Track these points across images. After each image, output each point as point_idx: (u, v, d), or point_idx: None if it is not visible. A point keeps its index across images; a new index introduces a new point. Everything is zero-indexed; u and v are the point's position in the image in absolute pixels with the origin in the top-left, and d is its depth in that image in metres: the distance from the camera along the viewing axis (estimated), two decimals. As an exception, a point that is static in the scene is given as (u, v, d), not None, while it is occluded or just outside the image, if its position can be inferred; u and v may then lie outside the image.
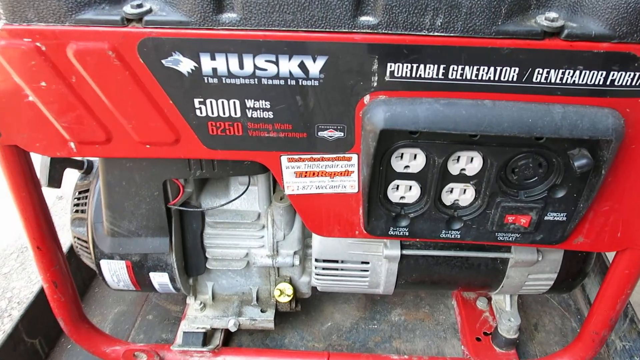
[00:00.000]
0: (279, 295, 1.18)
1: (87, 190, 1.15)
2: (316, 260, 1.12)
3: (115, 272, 1.14)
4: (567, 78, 0.78)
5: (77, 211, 1.15)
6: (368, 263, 1.12)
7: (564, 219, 0.92)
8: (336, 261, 1.12)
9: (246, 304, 1.24)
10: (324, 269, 1.13)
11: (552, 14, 0.75)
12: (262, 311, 1.23)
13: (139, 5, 0.76)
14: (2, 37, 0.77)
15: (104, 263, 1.13)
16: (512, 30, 0.75)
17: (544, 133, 0.80)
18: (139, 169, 1.00)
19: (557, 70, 0.77)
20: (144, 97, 0.82)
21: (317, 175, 0.91)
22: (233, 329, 1.21)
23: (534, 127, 0.79)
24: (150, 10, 0.76)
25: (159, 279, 1.15)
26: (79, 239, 1.16)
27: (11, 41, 0.78)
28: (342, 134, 0.86)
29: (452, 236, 0.96)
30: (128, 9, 0.76)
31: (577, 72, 0.77)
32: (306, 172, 0.91)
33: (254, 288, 1.23)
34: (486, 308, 1.32)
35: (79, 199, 1.17)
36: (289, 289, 1.18)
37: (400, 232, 0.96)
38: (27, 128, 0.87)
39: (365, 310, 1.39)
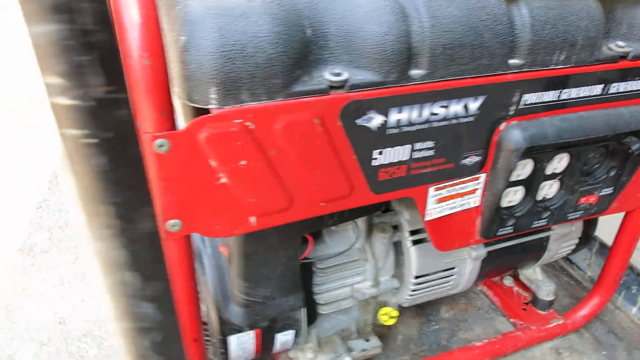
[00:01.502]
0: (387, 320, 1.25)
1: None
2: (415, 277, 1.23)
3: (243, 344, 1.10)
4: (630, 86, 1.05)
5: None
6: (454, 268, 1.27)
7: (612, 191, 1.19)
8: (428, 274, 1.24)
9: (347, 339, 1.28)
10: (419, 284, 1.24)
11: (620, 42, 1.01)
12: (366, 340, 1.29)
13: (338, 74, 0.81)
14: (211, 123, 0.76)
15: (232, 339, 1.08)
16: (602, 57, 0.98)
17: (621, 130, 1.05)
18: (278, 232, 1.01)
19: (625, 82, 1.03)
20: (334, 157, 0.87)
21: (453, 198, 1.04)
22: None
23: (615, 126, 1.04)
24: (348, 77, 0.82)
25: (283, 339, 1.14)
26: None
27: (220, 125, 0.77)
28: (480, 157, 1.00)
29: (541, 224, 1.17)
30: (331, 77, 0.81)
31: (636, 82, 1.04)
32: (445, 197, 1.03)
33: (353, 321, 1.28)
34: (513, 284, 1.56)
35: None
36: (393, 311, 1.26)
37: (506, 230, 1.13)
38: (211, 212, 0.84)
39: (418, 315, 1.52)
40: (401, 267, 1.25)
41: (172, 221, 0.82)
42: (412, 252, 1.21)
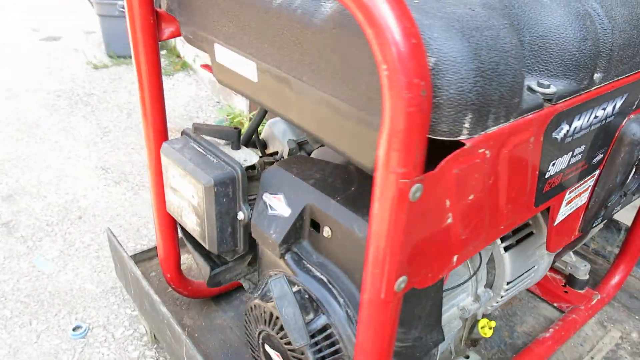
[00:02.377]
0: (487, 332, 1.19)
1: (325, 329, 0.91)
2: (508, 283, 1.19)
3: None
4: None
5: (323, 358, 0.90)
6: (535, 266, 1.26)
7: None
8: (517, 278, 1.22)
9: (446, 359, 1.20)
10: (509, 289, 1.21)
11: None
12: (466, 357, 1.21)
13: (546, 86, 0.74)
14: (463, 157, 0.64)
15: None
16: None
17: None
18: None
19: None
20: (530, 174, 0.80)
21: (575, 199, 1.02)
22: None
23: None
24: (556, 89, 0.76)
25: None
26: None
27: (469, 158, 0.65)
28: (602, 155, 1.00)
29: (617, 210, 1.20)
30: (540, 89, 0.74)
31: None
32: (572, 199, 1.01)
33: (451, 341, 1.20)
34: (544, 270, 1.60)
35: (317, 342, 0.91)
36: (491, 322, 1.21)
37: (599, 222, 1.15)
38: (429, 259, 0.72)
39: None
40: (492, 276, 1.22)
41: (400, 279, 0.68)
42: (505, 259, 1.17)
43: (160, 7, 1.05)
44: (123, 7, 3.39)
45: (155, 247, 1.59)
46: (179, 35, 1.08)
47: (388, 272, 0.67)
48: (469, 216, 0.73)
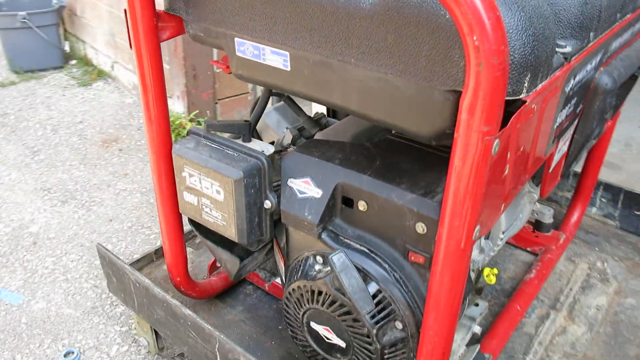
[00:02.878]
0: (492, 279, 1.29)
1: (377, 294, 0.96)
2: (503, 232, 1.30)
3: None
4: None
5: None
6: (521, 213, 1.38)
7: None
8: (509, 227, 1.33)
9: (461, 309, 1.29)
10: (503, 238, 1.32)
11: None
12: (475, 305, 1.31)
13: (562, 46, 0.85)
14: (525, 112, 0.73)
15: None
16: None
17: None
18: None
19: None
20: (552, 123, 0.90)
21: (562, 146, 1.15)
22: (479, 331, 1.24)
23: None
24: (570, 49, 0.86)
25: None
26: None
27: (527, 112, 0.74)
28: (582, 105, 1.13)
29: (585, 154, 1.36)
30: (563, 50, 0.84)
31: None
32: (560, 147, 1.14)
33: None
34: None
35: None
36: (493, 269, 1.31)
37: (575, 165, 1.30)
38: (491, 209, 0.80)
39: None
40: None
41: (476, 228, 0.76)
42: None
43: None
44: (25, 18, 3.19)
45: (143, 257, 1.56)
46: (179, 34, 1.08)
47: (469, 223, 0.74)
48: (517, 167, 0.82)
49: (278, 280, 1.33)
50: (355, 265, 0.98)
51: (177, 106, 2.81)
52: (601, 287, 1.57)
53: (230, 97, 2.91)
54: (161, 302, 1.26)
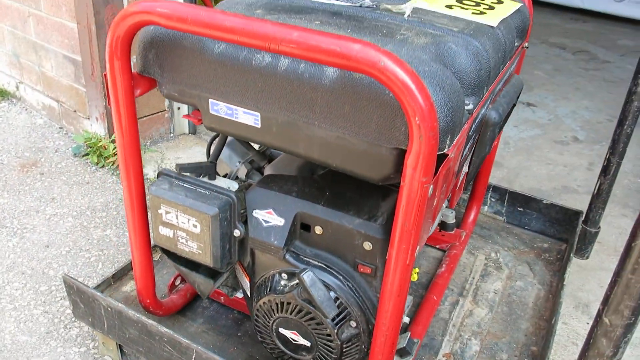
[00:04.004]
0: (414, 277, 1.57)
1: (336, 300, 1.19)
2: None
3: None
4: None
5: None
6: (437, 221, 1.67)
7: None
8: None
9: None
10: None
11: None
12: None
13: (467, 104, 1.13)
14: (446, 163, 1.00)
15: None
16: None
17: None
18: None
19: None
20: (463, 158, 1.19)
21: (465, 167, 1.46)
22: (408, 320, 1.50)
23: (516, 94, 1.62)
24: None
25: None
26: None
27: (448, 160, 1.01)
28: (477, 135, 1.44)
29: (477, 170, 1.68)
30: (467, 107, 1.12)
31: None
32: (464, 169, 1.44)
33: None
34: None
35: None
36: (414, 269, 1.58)
37: (471, 180, 1.62)
38: (426, 230, 1.07)
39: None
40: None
41: (418, 247, 1.02)
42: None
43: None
44: None
45: (102, 282, 1.69)
46: (148, 91, 1.25)
47: (412, 245, 1.00)
48: (441, 195, 1.09)
49: (238, 294, 1.53)
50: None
51: (96, 127, 2.86)
52: (496, 274, 1.92)
53: (147, 115, 3.00)
54: (135, 322, 1.42)
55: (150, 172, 2.77)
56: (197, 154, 3.01)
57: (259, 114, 1.10)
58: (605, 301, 0.83)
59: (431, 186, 0.95)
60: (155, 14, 1.02)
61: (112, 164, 2.77)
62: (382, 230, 1.17)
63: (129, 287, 1.72)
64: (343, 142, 1.04)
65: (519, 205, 2.13)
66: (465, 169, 1.46)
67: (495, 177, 2.91)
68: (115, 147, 2.79)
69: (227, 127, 1.17)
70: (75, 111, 2.95)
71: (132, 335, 1.47)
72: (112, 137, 2.81)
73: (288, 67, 1.03)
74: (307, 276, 1.16)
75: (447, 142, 0.98)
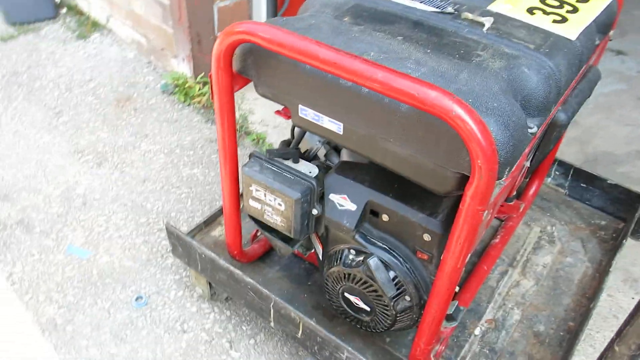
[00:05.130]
0: None
1: (394, 279, 1.41)
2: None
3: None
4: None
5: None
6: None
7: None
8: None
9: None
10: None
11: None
12: None
13: (531, 127, 1.24)
14: (500, 189, 1.15)
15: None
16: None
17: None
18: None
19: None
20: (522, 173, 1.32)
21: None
22: (457, 289, 1.74)
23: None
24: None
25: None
26: None
27: (504, 187, 1.16)
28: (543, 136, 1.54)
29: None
30: (531, 131, 1.24)
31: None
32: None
33: None
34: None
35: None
36: None
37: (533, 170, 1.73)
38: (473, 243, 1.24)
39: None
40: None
41: (468, 255, 1.20)
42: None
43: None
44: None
45: (195, 227, 1.96)
46: (245, 85, 1.43)
47: (464, 254, 1.18)
48: (496, 209, 1.24)
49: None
50: (380, 259, 1.42)
51: (183, 67, 3.08)
52: (548, 247, 2.07)
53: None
54: (225, 269, 1.69)
55: (233, 112, 2.99)
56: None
57: (342, 124, 1.26)
58: None
59: (486, 212, 1.10)
60: (257, 37, 1.18)
61: (198, 103, 3.01)
62: (441, 226, 1.34)
63: (217, 232, 2.00)
64: (414, 159, 1.19)
65: (583, 182, 2.22)
66: (526, 164, 1.58)
67: (568, 136, 2.86)
68: (199, 89, 3.01)
69: (313, 129, 1.34)
70: (162, 49, 3.17)
71: (221, 278, 1.75)
72: (198, 79, 3.03)
73: (371, 91, 1.17)
74: (373, 261, 1.37)
75: (505, 173, 1.12)
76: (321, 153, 1.66)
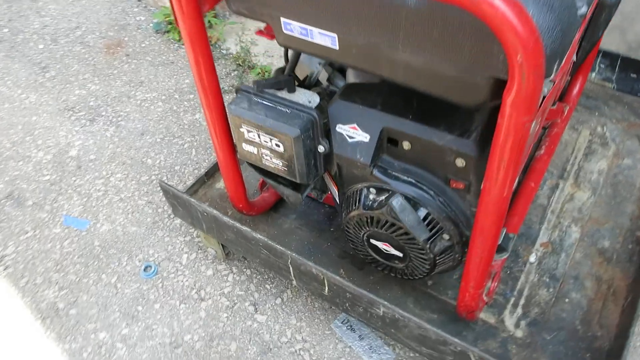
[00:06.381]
0: None
1: (427, 217, 1.18)
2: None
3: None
4: None
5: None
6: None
7: None
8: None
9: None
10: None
11: None
12: None
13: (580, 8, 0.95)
14: (551, 91, 0.87)
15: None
16: None
17: None
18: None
19: None
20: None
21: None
22: None
23: None
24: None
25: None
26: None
27: (554, 88, 0.88)
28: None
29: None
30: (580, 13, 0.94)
31: None
32: (575, 58, 1.26)
33: None
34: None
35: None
36: None
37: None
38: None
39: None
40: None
41: (515, 180, 0.94)
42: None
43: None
44: None
45: (196, 181, 1.74)
46: (215, 4, 1.15)
47: (510, 181, 0.92)
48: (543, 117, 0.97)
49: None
50: (406, 196, 1.18)
51: (172, 1, 2.77)
52: (601, 151, 1.78)
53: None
54: (231, 227, 1.48)
55: (232, 46, 2.70)
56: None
57: (335, 35, 0.99)
58: None
59: (533, 122, 0.84)
60: None
61: (192, 41, 2.72)
62: (476, 147, 1.08)
63: (222, 183, 1.77)
64: (430, 69, 0.92)
65: (632, 71, 1.89)
66: (573, 58, 1.28)
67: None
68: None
69: (303, 47, 1.06)
70: (150, -18, 2.86)
71: (230, 237, 1.54)
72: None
73: (366, -16, 0.89)
74: (397, 202, 1.12)
75: (554, 68, 0.84)
76: (323, 77, 1.39)
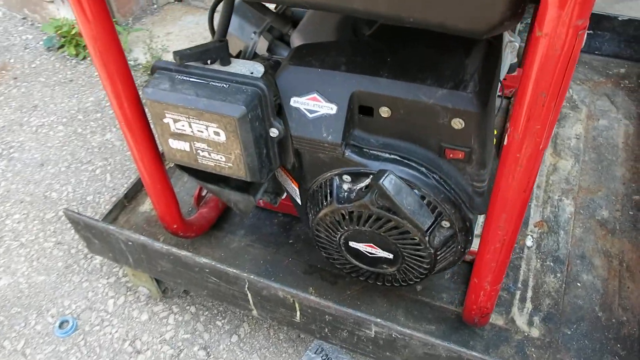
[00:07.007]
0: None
1: (423, 199, 0.90)
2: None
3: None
4: None
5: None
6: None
7: None
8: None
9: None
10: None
11: None
12: None
13: None
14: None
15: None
16: None
17: None
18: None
19: None
20: None
21: None
22: None
23: None
24: None
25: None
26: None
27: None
28: None
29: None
30: None
31: None
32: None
33: None
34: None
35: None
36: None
37: None
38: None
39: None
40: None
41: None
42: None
43: None
44: None
45: (114, 206, 1.40)
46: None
47: (550, 123, 0.67)
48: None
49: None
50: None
51: (64, 12, 2.42)
52: (573, 115, 1.61)
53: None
54: (166, 255, 1.15)
55: (140, 56, 2.36)
56: (190, 25, 2.57)
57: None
58: None
59: (586, 32, 0.60)
60: None
61: (92, 54, 2.36)
62: (477, 100, 0.84)
63: (147, 205, 1.44)
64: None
65: (589, 27, 1.75)
66: None
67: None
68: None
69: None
70: (33, -4, 2.48)
71: (165, 269, 1.21)
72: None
73: None
74: (389, 182, 0.85)
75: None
76: (262, 49, 1.11)
